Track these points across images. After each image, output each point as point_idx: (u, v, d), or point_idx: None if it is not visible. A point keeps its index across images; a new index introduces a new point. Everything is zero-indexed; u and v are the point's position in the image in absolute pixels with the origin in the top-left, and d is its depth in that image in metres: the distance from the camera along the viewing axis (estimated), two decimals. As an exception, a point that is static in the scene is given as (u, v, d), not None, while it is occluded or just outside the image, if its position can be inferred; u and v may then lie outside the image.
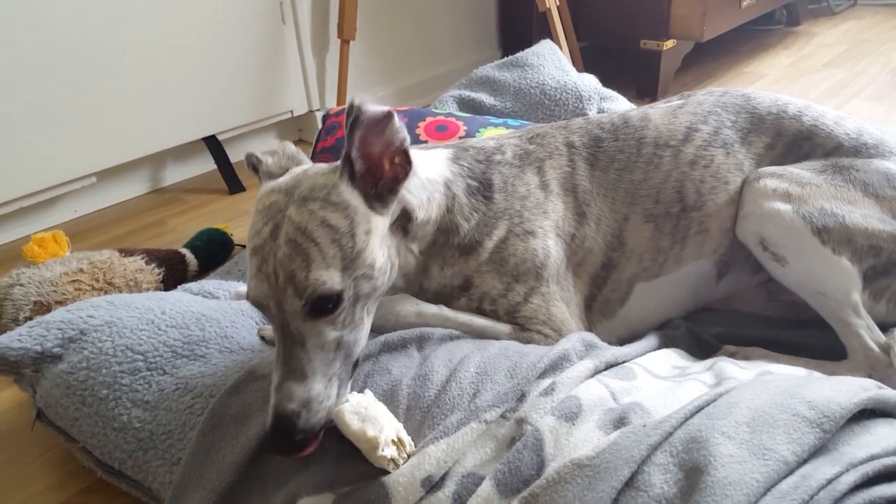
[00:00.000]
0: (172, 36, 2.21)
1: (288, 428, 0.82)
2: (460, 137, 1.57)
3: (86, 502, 1.16)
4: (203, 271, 1.71)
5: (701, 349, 1.15)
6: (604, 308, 1.18)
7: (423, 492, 0.80)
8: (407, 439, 0.85)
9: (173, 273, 1.62)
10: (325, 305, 0.85)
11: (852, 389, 0.79)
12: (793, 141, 1.18)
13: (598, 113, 1.82)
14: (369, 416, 0.83)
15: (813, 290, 1.08)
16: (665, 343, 1.12)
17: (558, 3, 2.65)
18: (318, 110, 2.70)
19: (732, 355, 1.11)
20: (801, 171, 1.12)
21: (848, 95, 2.74)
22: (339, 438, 0.86)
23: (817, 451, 0.74)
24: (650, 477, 0.73)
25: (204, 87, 2.33)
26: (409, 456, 0.84)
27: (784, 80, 2.98)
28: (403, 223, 1.01)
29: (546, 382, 0.90)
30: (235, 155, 2.54)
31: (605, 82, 1.99)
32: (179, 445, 1.00)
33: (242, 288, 1.42)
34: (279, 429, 0.82)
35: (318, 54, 2.67)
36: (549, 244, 1.10)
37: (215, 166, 2.41)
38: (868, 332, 1.06)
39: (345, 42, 2.53)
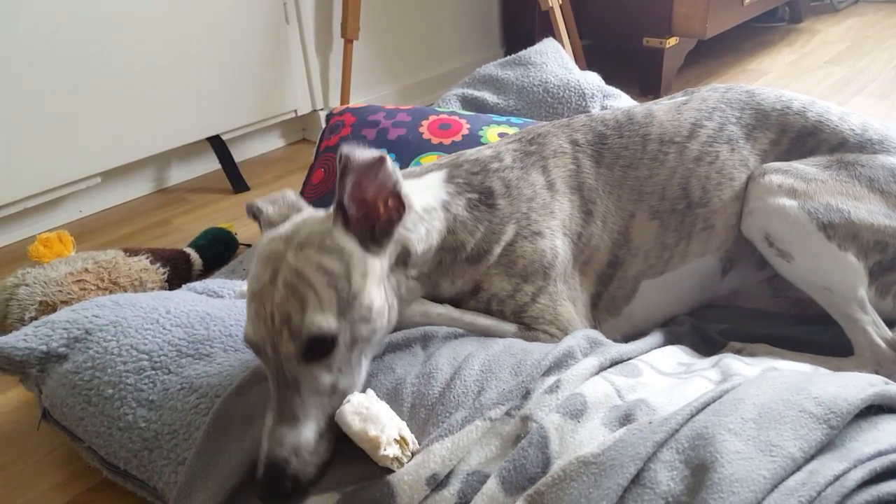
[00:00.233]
0: (176, 36, 2.21)
1: (279, 476, 0.81)
2: (463, 136, 1.57)
3: (91, 502, 1.16)
4: (207, 270, 1.72)
5: (706, 346, 1.15)
6: (610, 306, 1.17)
7: (428, 490, 0.80)
8: (410, 437, 0.85)
9: (178, 272, 1.62)
10: (319, 349, 0.85)
11: (859, 385, 0.79)
12: (797, 137, 1.18)
13: (602, 111, 1.82)
14: (371, 416, 0.83)
15: (819, 285, 1.08)
16: (670, 340, 1.11)
17: (561, 2, 2.64)
18: (321, 110, 2.70)
19: (738, 352, 1.11)
20: (806, 166, 1.12)
21: (851, 92, 2.73)
22: (343, 439, 0.86)
23: (824, 448, 0.73)
24: (656, 474, 0.73)
25: (208, 88, 2.33)
26: (413, 454, 0.84)
27: (787, 78, 2.98)
28: (404, 258, 1.01)
29: (551, 380, 0.90)
30: (240, 155, 2.55)
31: (608, 80, 1.99)
32: (185, 445, 1.00)
33: (245, 287, 1.42)
34: (271, 477, 0.82)
35: (322, 54, 2.67)
36: (556, 244, 1.10)
37: (220, 166, 2.42)
38: (874, 328, 1.06)
39: (348, 41, 2.53)
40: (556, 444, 0.81)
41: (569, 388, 0.88)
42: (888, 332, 1.06)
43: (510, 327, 1.08)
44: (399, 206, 0.94)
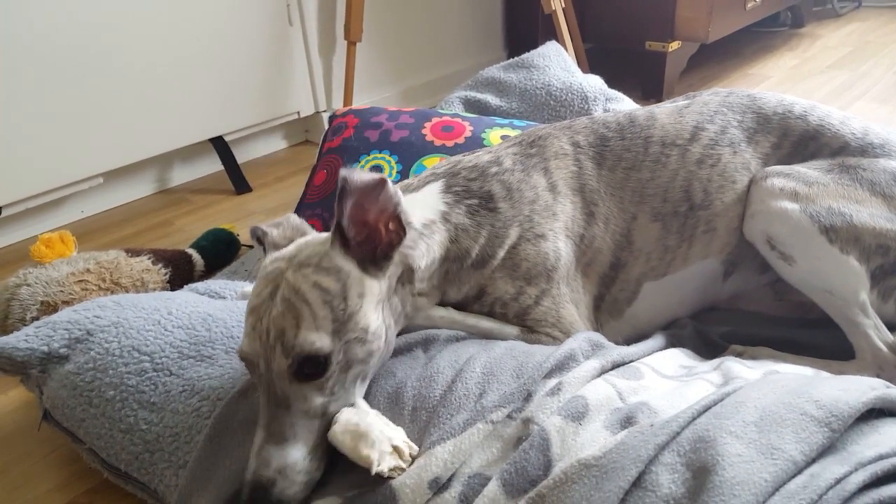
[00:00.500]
0: (179, 37, 2.22)
1: (262, 497, 0.81)
2: (466, 138, 1.57)
3: (91, 502, 1.16)
4: (209, 271, 1.72)
5: (708, 349, 1.15)
6: (612, 308, 1.17)
7: (430, 493, 0.80)
8: (407, 445, 0.84)
9: (180, 273, 1.63)
10: (312, 368, 0.84)
11: (860, 388, 0.79)
12: (799, 141, 1.18)
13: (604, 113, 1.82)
14: (360, 433, 0.82)
15: (820, 289, 1.08)
16: (672, 343, 1.11)
17: (563, 5, 2.65)
18: (324, 111, 2.71)
19: (739, 355, 1.11)
20: (808, 170, 1.12)
21: (852, 97, 2.73)
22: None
23: (826, 451, 0.73)
24: (658, 477, 0.73)
25: (211, 89, 2.34)
26: (412, 459, 0.83)
27: (788, 82, 2.98)
28: (408, 275, 1.00)
29: (552, 382, 0.90)
30: (242, 156, 2.55)
31: (611, 84, 1.99)
32: (186, 448, 1.00)
33: (248, 287, 1.42)
34: (254, 499, 0.81)
35: (325, 56, 2.67)
36: (559, 246, 1.10)
37: (222, 167, 2.42)
38: (876, 332, 1.06)
39: (351, 43, 2.53)
40: (557, 447, 0.81)
41: (570, 391, 0.88)
42: (890, 336, 1.06)
43: (512, 330, 1.08)
44: (399, 229, 0.93)
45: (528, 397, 0.87)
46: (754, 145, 1.19)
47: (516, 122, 1.66)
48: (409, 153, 1.56)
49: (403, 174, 1.53)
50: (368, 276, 0.91)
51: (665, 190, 1.15)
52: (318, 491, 0.86)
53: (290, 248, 0.94)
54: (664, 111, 1.23)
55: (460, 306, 1.10)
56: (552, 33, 2.60)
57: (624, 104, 1.92)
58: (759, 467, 0.70)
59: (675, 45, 2.83)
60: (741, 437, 0.73)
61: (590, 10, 3.03)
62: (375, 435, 0.82)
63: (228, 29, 2.33)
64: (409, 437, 0.87)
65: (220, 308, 1.24)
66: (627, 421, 0.83)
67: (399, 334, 1.03)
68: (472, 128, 1.61)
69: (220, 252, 1.77)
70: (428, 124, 1.62)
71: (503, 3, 3.30)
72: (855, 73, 3.03)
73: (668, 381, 0.94)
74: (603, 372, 0.94)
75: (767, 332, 1.19)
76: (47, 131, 2.01)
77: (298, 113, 2.65)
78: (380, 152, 1.58)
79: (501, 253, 1.08)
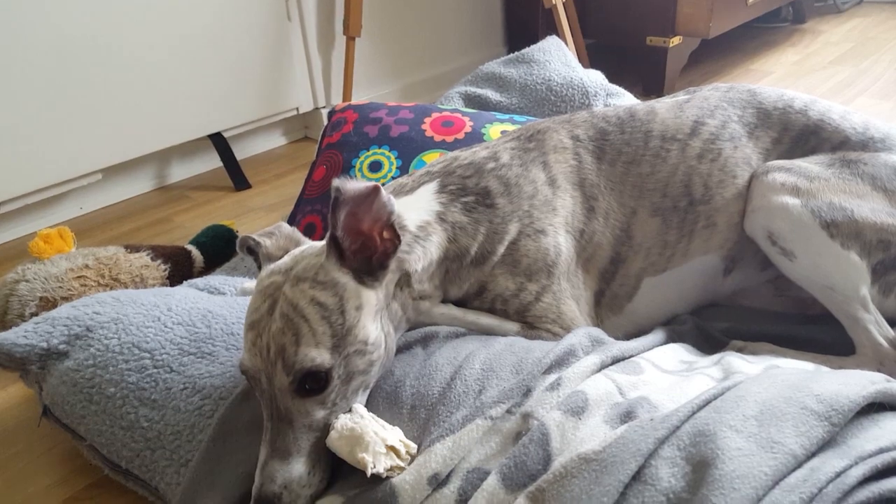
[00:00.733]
0: (178, 33, 2.21)
1: None
2: (466, 133, 1.57)
3: (92, 498, 1.16)
4: (209, 267, 1.72)
5: (708, 344, 1.15)
6: (612, 303, 1.17)
7: (429, 489, 0.80)
8: (403, 444, 0.84)
9: (179, 269, 1.62)
10: (313, 384, 0.84)
11: (861, 383, 0.78)
12: (799, 135, 1.18)
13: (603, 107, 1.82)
14: (355, 438, 0.83)
15: (821, 284, 1.08)
16: (672, 338, 1.11)
17: (564, 0, 2.64)
18: (323, 107, 2.70)
19: (740, 350, 1.11)
20: (809, 164, 1.12)
21: (854, 93, 2.73)
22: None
23: (826, 445, 0.73)
24: (657, 471, 0.72)
25: (210, 85, 2.33)
26: (411, 457, 0.83)
27: (790, 78, 2.97)
28: (406, 279, 1.00)
29: (552, 377, 0.89)
30: (241, 152, 2.55)
31: (612, 79, 1.99)
32: (188, 447, 1.00)
33: (248, 284, 1.42)
34: None
35: (324, 51, 2.67)
36: (559, 241, 1.10)
37: (221, 163, 2.42)
38: (877, 327, 1.06)
39: (350, 39, 2.53)
40: (557, 441, 0.80)
41: (570, 386, 0.88)
42: (890, 332, 1.06)
43: (513, 326, 1.08)
44: (394, 237, 0.92)
45: (527, 393, 0.87)
46: (755, 140, 1.18)
47: (516, 118, 1.66)
48: (409, 149, 1.56)
49: (403, 170, 1.52)
50: (365, 287, 0.91)
51: (665, 185, 1.15)
52: (322, 491, 0.86)
53: (286, 260, 0.93)
54: (664, 106, 1.22)
55: (461, 303, 1.09)
56: (552, 29, 2.59)
57: (625, 100, 1.91)
58: (759, 461, 0.69)
59: (676, 41, 2.82)
60: (741, 431, 0.73)
61: (590, 6, 3.02)
62: (370, 437, 0.82)
63: (227, 25, 2.32)
64: (408, 435, 0.87)
65: (220, 304, 1.24)
66: (627, 416, 0.83)
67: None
68: (472, 123, 1.60)
69: (219, 248, 1.76)
70: (428, 120, 1.61)
71: (503, -1, 3.30)
72: (857, 69, 3.02)
73: (668, 376, 0.94)
74: (603, 367, 0.94)
75: (768, 327, 1.18)
76: (46, 127, 2.01)
77: (297, 109, 2.65)
78: (379, 147, 1.58)
79: (501, 249, 1.07)
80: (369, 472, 0.80)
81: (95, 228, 2.15)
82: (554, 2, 2.54)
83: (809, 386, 0.78)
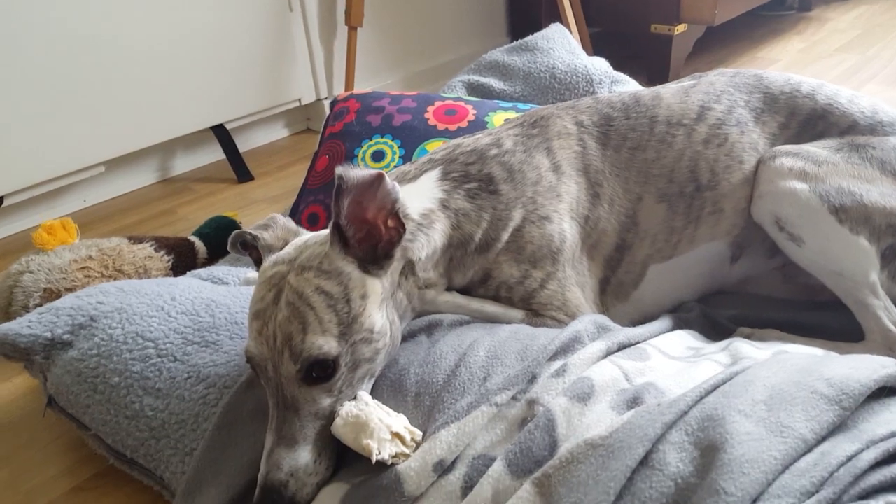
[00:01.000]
0: (180, 25, 2.20)
1: (276, 500, 0.81)
2: (469, 122, 1.56)
3: (97, 487, 1.17)
4: (212, 259, 1.71)
5: (715, 332, 1.14)
6: (618, 291, 1.16)
7: (434, 476, 0.79)
8: (408, 431, 0.84)
9: (182, 260, 1.62)
10: (320, 372, 0.84)
11: (872, 367, 0.78)
12: (807, 120, 1.16)
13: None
14: (359, 424, 0.83)
15: (830, 270, 1.07)
16: (679, 325, 1.10)
17: (567, -12, 2.62)
18: (326, 98, 2.69)
19: (748, 337, 1.09)
20: (817, 149, 1.10)
21: (861, 80, 2.70)
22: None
23: (836, 429, 0.73)
24: (665, 455, 0.72)
25: (212, 77, 2.32)
26: (416, 444, 0.83)
27: (797, 66, 2.95)
28: (410, 267, 1.00)
29: (557, 364, 0.89)
30: (244, 144, 2.55)
31: (616, 68, 1.97)
32: (192, 436, 1.00)
33: (252, 274, 1.42)
34: (267, 501, 0.81)
35: (326, 42, 2.65)
36: (564, 227, 1.09)
37: (224, 155, 2.41)
38: (886, 313, 1.05)
39: (352, 29, 2.52)
40: (563, 427, 0.80)
41: (576, 372, 0.87)
42: (900, 317, 1.05)
43: (517, 314, 1.07)
44: (399, 225, 0.92)
45: (532, 379, 0.87)
46: (762, 125, 1.17)
47: (520, 106, 1.64)
48: (412, 137, 1.55)
49: (406, 159, 1.52)
50: (370, 275, 0.90)
51: (671, 170, 1.14)
52: (328, 478, 0.86)
53: (290, 250, 0.93)
54: (670, 91, 1.21)
55: (465, 291, 1.09)
56: (555, 17, 2.57)
57: (630, 87, 1.90)
58: (769, 445, 0.69)
59: (681, 28, 2.80)
60: (750, 415, 0.73)
61: (595, -8, 3.00)
62: (374, 424, 0.82)
63: (229, 16, 2.31)
64: (413, 423, 0.86)
65: (224, 294, 1.24)
66: (634, 402, 0.83)
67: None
68: (475, 111, 1.59)
69: (222, 239, 1.74)
70: (431, 108, 1.60)
71: (506, -12, 3.28)
72: (864, 56, 3.00)
73: (675, 362, 0.94)
74: (609, 353, 0.93)
75: (775, 314, 1.17)
76: (49, 120, 2.00)
77: (300, 100, 2.63)
78: (382, 137, 1.57)
79: (505, 236, 1.07)
80: (374, 459, 0.80)
81: (99, 221, 2.15)
82: (557, -10, 2.52)
83: (819, 370, 0.77)
